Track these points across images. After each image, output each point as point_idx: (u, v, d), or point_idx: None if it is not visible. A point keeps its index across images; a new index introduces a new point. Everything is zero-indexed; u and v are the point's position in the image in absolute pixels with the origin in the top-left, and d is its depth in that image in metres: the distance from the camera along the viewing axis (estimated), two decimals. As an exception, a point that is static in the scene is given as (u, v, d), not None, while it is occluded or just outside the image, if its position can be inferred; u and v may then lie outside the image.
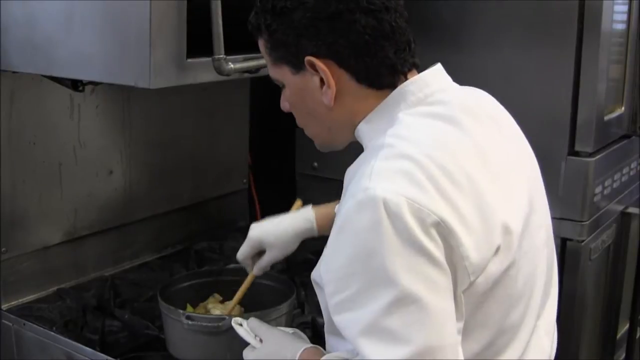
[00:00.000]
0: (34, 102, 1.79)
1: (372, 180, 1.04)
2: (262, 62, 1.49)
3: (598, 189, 2.00)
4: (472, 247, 1.05)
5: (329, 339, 1.25)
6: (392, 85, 1.18)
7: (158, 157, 2.14)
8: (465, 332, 1.08)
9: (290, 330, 1.34)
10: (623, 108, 2.15)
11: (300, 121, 1.27)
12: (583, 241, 1.98)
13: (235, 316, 1.41)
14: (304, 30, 1.14)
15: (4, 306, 1.78)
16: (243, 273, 1.67)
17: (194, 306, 1.66)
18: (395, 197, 1.01)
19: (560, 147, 1.93)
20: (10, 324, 1.74)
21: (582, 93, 1.91)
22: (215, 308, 1.63)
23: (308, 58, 1.15)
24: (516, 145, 1.27)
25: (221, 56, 1.45)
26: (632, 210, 2.30)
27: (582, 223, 1.95)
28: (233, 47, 1.47)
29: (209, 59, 1.45)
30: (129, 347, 1.65)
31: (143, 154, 2.09)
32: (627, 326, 2.45)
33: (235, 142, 2.41)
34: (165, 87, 1.43)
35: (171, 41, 1.41)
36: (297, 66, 1.17)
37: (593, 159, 1.95)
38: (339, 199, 1.22)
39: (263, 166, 2.49)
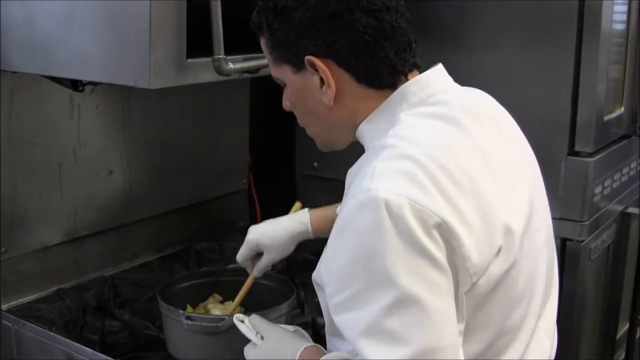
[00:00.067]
0: (34, 102, 1.79)
1: (374, 180, 1.04)
2: (261, 62, 1.49)
3: (598, 189, 2.00)
4: (473, 248, 1.05)
5: (329, 339, 1.25)
6: (393, 86, 1.17)
7: (158, 157, 2.14)
8: (466, 333, 1.08)
9: (291, 328, 1.35)
10: (623, 108, 2.15)
11: (301, 120, 1.27)
12: (583, 241, 1.97)
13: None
14: (304, 30, 1.14)
15: (4, 306, 1.78)
16: (243, 273, 1.67)
17: (194, 306, 1.66)
18: (397, 198, 1.01)
19: (560, 147, 1.93)
20: (10, 324, 1.74)
21: (581, 93, 1.91)
22: (215, 308, 1.63)
23: (308, 57, 1.15)
24: (516, 145, 1.27)
25: (221, 56, 1.45)
26: (632, 210, 2.30)
27: (582, 223, 1.95)
28: (233, 47, 1.47)
29: (209, 59, 1.45)
30: (128, 348, 1.65)
31: (143, 154, 2.09)
32: (627, 326, 2.44)
33: (235, 142, 2.41)
34: (165, 87, 1.43)
35: (171, 41, 1.41)
36: (298, 65, 1.17)
37: (593, 159, 1.95)
38: (340, 199, 1.22)
39: (263, 166, 2.49)
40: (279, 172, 2.49)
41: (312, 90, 1.18)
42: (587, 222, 1.96)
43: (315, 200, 1.64)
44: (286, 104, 1.26)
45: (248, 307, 1.62)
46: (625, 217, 2.28)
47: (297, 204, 1.65)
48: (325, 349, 1.25)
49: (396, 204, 1.01)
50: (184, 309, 1.60)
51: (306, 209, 1.60)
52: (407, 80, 1.18)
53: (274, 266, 1.98)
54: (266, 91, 1.74)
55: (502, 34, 1.98)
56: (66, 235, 1.93)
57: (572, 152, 1.94)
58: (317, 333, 1.62)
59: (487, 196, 1.09)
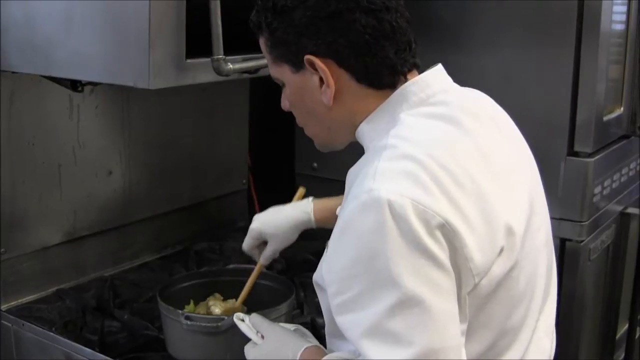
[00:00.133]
0: (34, 103, 1.79)
1: (376, 181, 1.04)
2: (261, 62, 1.49)
3: (597, 190, 2.00)
4: (476, 248, 1.05)
5: (329, 340, 1.25)
6: (393, 86, 1.17)
7: (157, 157, 2.14)
8: (468, 334, 1.08)
9: (292, 327, 1.34)
10: (622, 108, 2.15)
11: (300, 120, 1.27)
12: (582, 241, 1.98)
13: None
14: (304, 29, 1.14)
15: (4, 307, 1.78)
16: (243, 274, 1.67)
17: (195, 305, 1.66)
18: (400, 199, 1.01)
19: (559, 148, 1.93)
20: (10, 325, 1.74)
21: (581, 93, 1.91)
22: (216, 306, 1.63)
23: (308, 57, 1.14)
24: (516, 146, 1.27)
25: (220, 57, 1.45)
26: (632, 210, 2.30)
27: (582, 223, 1.95)
28: (232, 48, 1.47)
29: (208, 59, 1.45)
30: (128, 348, 1.65)
31: (142, 154, 2.09)
32: (626, 326, 2.44)
33: (235, 143, 2.41)
34: (165, 87, 1.43)
35: (170, 41, 1.41)
36: (297, 65, 1.17)
37: (592, 159, 1.95)
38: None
39: (263, 166, 2.49)
40: (278, 172, 2.49)
41: (312, 89, 1.18)
42: (586, 223, 1.96)
43: (314, 200, 1.64)
44: (285, 104, 1.26)
45: (248, 307, 1.63)
46: (624, 217, 2.28)
47: (301, 190, 1.66)
48: (325, 349, 1.25)
49: (399, 204, 1.01)
50: (184, 309, 1.60)
51: (310, 198, 1.62)
52: (406, 80, 1.18)
53: (273, 266, 1.99)
54: (266, 91, 1.74)
55: (501, 34, 1.98)
56: (66, 235, 1.93)
57: (572, 153, 1.94)
58: (317, 333, 1.62)
59: (489, 196, 1.09)
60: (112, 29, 1.44)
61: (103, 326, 1.71)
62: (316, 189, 1.69)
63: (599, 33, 1.87)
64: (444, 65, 1.24)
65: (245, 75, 1.55)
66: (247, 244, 1.62)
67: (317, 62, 1.14)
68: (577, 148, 1.94)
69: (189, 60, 1.45)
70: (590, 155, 1.94)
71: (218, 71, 1.46)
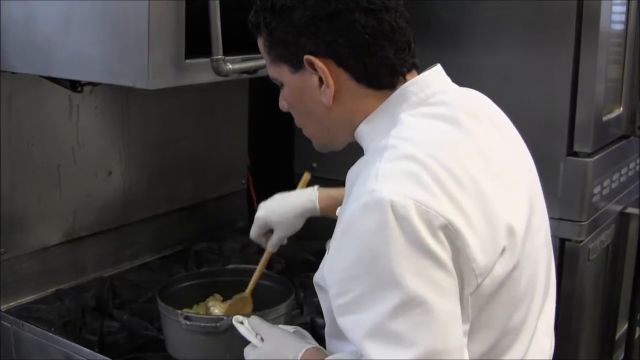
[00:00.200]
0: (33, 103, 1.79)
1: (377, 182, 1.04)
2: (260, 62, 1.49)
3: (597, 190, 2.00)
4: (478, 249, 1.05)
5: (329, 340, 1.25)
6: (392, 86, 1.17)
7: (157, 157, 2.14)
8: (470, 334, 1.08)
9: (291, 329, 1.34)
10: (621, 108, 2.15)
11: (298, 121, 1.27)
12: (582, 241, 1.98)
13: (236, 315, 1.41)
14: (303, 29, 1.13)
15: (3, 307, 1.78)
16: (242, 274, 1.68)
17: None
18: (403, 200, 1.01)
19: (558, 148, 1.93)
20: (9, 325, 1.74)
21: (580, 93, 1.91)
22: (215, 307, 1.63)
23: (307, 57, 1.14)
24: (515, 146, 1.27)
25: (219, 57, 1.45)
26: (631, 210, 2.30)
27: (581, 223, 1.95)
28: (231, 48, 1.47)
29: (208, 59, 1.45)
30: (127, 348, 1.65)
31: (142, 154, 2.09)
32: (625, 326, 2.45)
33: (234, 143, 2.41)
34: (164, 87, 1.43)
35: (169, 42, 1.41)
36: (296, 65, 1.17)
37: (592, 159, 1.95)
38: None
39: (262, 167, 2.49)
40: (277, 172, 2.49)
41: (311, 90, 1.17)
42: (586, 223, 1.96)
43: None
44: (283, 105, 1.26)
45: (247, 308, 1.63)
46: (624, 217, 2.28)
47: (306, 175, 1.67)
48: (325, 349, 1.25)
49: (402, 205, 1.01)
50: (183, 309, 1.60)
51: (315, 187, 1.63)
52: (405, 80, 1.17)
53: (273, 266, 1.99)
54: (265, 92, 1.74)
55: (501, 34, 1.99)
56: (65, 235, 1.93)
57: (571, 153, 1.94)
58: (316, 334, 1.62)
59: (490, 196, 1.09)
60: (111, 30, 1.44)
61: (102, 326, 1.71)
62: (315, 189, 1.70)
63: (598, 33, 1.87)
64: (443, 65, 1.24)
65: (245, 76, 1.55)
66: (253, 232, 1.63)
67: (317, 62, 1.14)
68: (576, 148, 1.94)
69: (188, 61, 1.45)
70: (589, 155, 1.94)
71: (217, 71, 1.46)
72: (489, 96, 1.29)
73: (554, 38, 1.91)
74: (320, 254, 1.18)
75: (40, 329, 1.69)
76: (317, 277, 1.19)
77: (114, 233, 2.05)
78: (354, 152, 1.22)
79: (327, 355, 1.19)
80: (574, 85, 1.90)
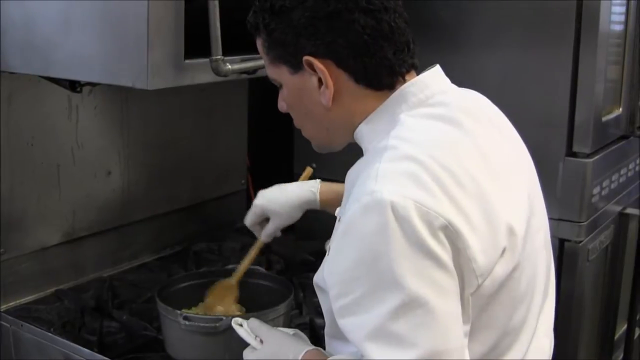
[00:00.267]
0: (32, 103, 1.79)
1: (378, 182, 1.04)
2: (259, 63, 1.49)
3: (596, 190, 2.00)
4: (479, 249, 1.05)
5: (329, 341, 1.24)
6: (391, 86, 1.17)
7: (156, 157, 2.14)
8: (471, 334, 1.08)
9: (291, 331, 1.34)
10: (621, 109, 2.15)
11: (297, 122, 1.27)
12: (581, 242, 1.98)
13: (236, 316, 1.41)
14: (302, 30, 1.13)
15: (2, 307, 1.78)
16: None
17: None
18: (403, 200, 1.01)
19: (558, 148, 1.93)
20: (9, 325, 1.74)
21: (579, 94, 1.91)
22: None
23: (306, 58, 1.14)
24: (515, 147, 1.27)
25: (219, 57, 1.45)
26: (630, 211, 2.30)
27: (580, 224, 1.96)
28: (231, 48, 1.47)
29: (207, 59, 1.45)
30: (127, 348, 1.65)
31: (141, 154, 2.09)
32: (625, 326, 2.45)
33: (234, 143, 2.41)
34: (163, 87, 1.43)
35: (169, 42, 1.41)
36: (295, 66, 1.17)
37: (591, 159, 1.95)
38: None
39: (261, 167, 2.49)
40: (277, 172, 2.48)
41: (310, 90, 1.17)
42: (585, 223, 1.96)
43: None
44: (282, 105, 1.26)
45: (246, 308, 1.63)
46: (623, 217, 2.29)
47: (308, 169, 1.67)
48: (324, 350, 1.25)
49: (402, 206, 1.01)
50: (183, 309, 1.60)
51: (318, 180, 1.63)
52: (404, 81, 1.17)
53: (272, 266, 1.99)
54: (264, 92, 1.74)
55: (500, 35, 1.99)
56: (65, 236, 1.92)
57: (570, 153, 1.94)
58: (315, 334, 1.62)
59: (490, 197, 1.09)
60: (110, 30, 1.44)
61: (102, 327, 1.71)
62: (315, 189, 1.70)
63: (597, 33, 1.88)
64: (442, 65, 1.24)
65: (244, 76, 1.55)
66: (249, 219, 1.63)
67: (316, 62, 1.14)
68: (575, 148, 1.94)
69: (187, 61, 1.45)
70: (589, 155, 1.95)
71: (217, 72, 1.46)
72: (488, 96, 1.29)
73: (554, 38, 1.91)
74: (319, 254, 1.17)
75: (39, 329, 1.69)
76: (317, 278, 1.19)
77: (113, 233, 2.05)
78: (354, 152, 1.22)
79: (327, 357, 1.19)
80: (574, 86, 1.90)
